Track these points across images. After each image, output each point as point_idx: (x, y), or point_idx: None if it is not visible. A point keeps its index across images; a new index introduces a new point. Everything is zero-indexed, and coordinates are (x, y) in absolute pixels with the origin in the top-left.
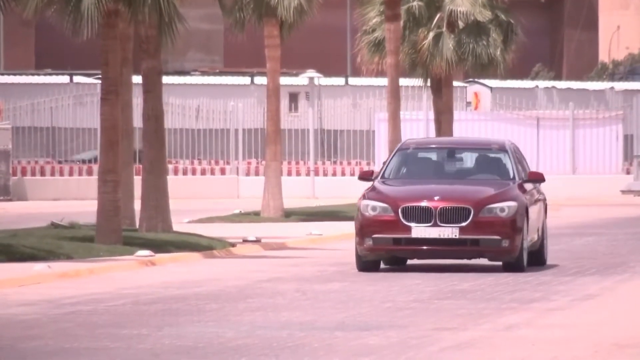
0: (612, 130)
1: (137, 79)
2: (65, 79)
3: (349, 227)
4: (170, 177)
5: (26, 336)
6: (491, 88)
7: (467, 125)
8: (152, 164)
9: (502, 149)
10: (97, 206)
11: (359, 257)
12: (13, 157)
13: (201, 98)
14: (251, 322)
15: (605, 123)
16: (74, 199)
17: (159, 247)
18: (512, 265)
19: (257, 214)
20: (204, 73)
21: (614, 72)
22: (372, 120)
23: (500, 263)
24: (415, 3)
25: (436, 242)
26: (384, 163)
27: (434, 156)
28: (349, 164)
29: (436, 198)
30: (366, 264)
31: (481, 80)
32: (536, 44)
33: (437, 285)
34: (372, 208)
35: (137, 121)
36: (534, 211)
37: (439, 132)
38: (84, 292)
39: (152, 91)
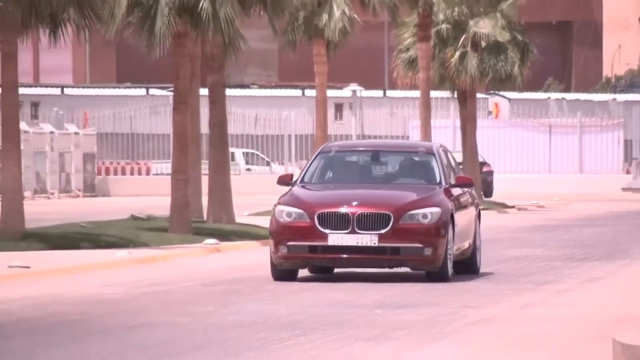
0: (614, 136)
1: (203, 91)
2: (142, 91)
3: None
4: (233, 176)
5: (110, 312)
6: (509, 99)
7: (489, 132)
8: (217, 165)
9: (430, 152)
10: (170, 201)
11: (274, 266)
12: (98, 159)
13: (259, 108)
14: (302, 300)
15: (608, 130)
16: (150, 195)
17: (224, 236)
18: (436, 275)
19: None
20: (261, 86)
21: (615, 85)
22: (406, 127)
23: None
24: (443, 26)
25: (354, 250)
26: (304, 167)
27: (356, 160)
28: None
29: (354, 203)
30: (282, 273)
31: (501, 93)
32: (548, 61)
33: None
34: (287, 214)
35: (204, 128)
36: (462, 217)
37: (464, 138)
38: (159, 275)
39: (217, 102)
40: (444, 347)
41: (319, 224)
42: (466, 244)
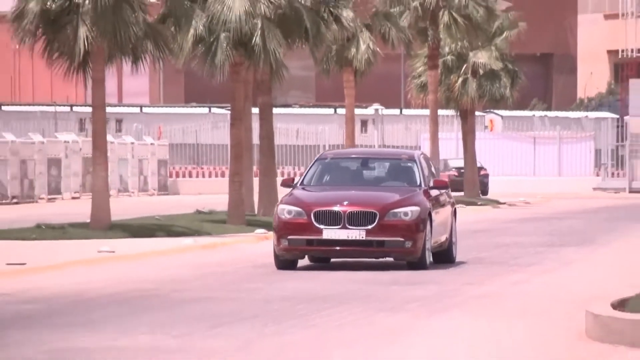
0: (586, 146)
1: (255, 110)
2: (205, 110)
3: None
4: (279, 179)
5: (179, 288)
6: (502, 116)
7: (485, 143)
8: (266, 170)
9: (412, 159)
10: (228, 199)
11: (276, 256)
12: (169, 165)
13: (299, 123)
14: (332, 279)
15: (582, 141)
16: (212, 194)
17: (271, 227)
18: (415, 265)
19: None
20: (301, 106)
21: (587, 105)
22: (418, 139)
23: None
24: (448, 57)
25: (345, 243)
26: (304, 171)
27: (349, 165)
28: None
29: (345, 203)
30: (284, 263)
31: (495, 111)
32: (533, 85)
33: (464, 255)
34: (288, 212)
35: (255, 139)
36: (439, 215)
37: (465, 147)
38: (219, 258)
39: (265, 119)
40: (450, 317)
41: (315, 220)
42: (443, 238)
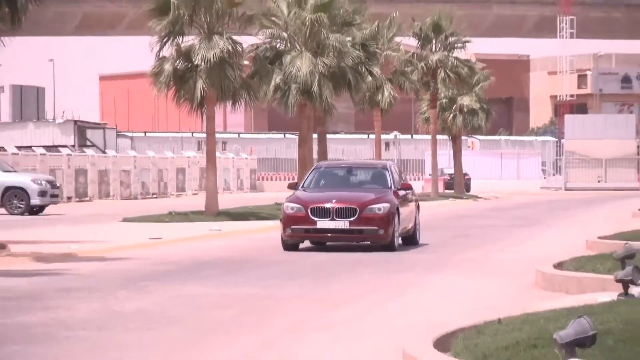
0: (536, 160)
1: (314, 135)
2: (281, 135)
3: None
4: None
5: (263, 254)
6: (479, 140)
7: (468, 157)
8: None
9: (385, 167)
10: None
11: (283, 241)
12: (257, 172)
13: (344, 145)
14: (352, 249)
15: (533, 156)
16: (286, 192)
17: None
18: (387, 247)
19: None
20: (345, 133)
21: (536, 132)
22: (424, 155)
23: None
24: (443, 100)
25: (334, 231)
26: (305, 177)
27: (338, 172)
28: (414, 174)
29: (334, 201)
30: (288, 246)
31: (474, 136)
32: (500, 119)
33: (457, 230)
34: (291, 208)
35: (315, 155)
36: (405, 210)
37: (455, 160)
38: None
39: (321, 142)
40: (444, 275)
41: (311, 214)
42: (409, 226)
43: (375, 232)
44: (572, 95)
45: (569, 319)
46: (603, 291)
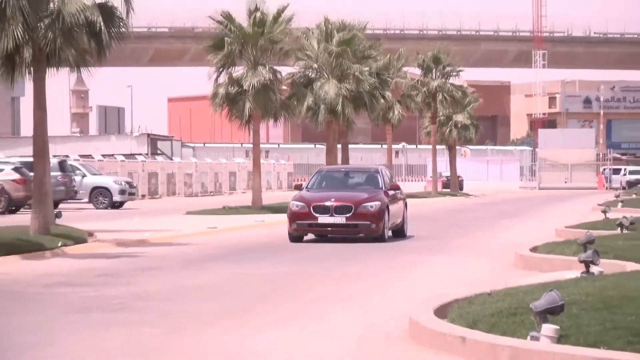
0: (515, 165)
1: (339, 145)
2: (312, 145)
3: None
4: None
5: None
6: (470, 149)
7: (462, 163)
8: None
9: (377, 171)
10: None
11: (290, 234)
12: (294, 175)
13: (363, 153)
14: (361, 240)
15: (513, 162)
16: None
17: None
18: (378, 239)
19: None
20: (363, 143)
21: (516, 143)
22: (426, 161)
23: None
24: (441, 117)
25: (333, 226)
26: (309, 180)
27: (336, 175)
28: (418, 177)
29: (333, 200)
30: (294, 238)
31: (467, 146)
32: (487, 132)
33: (454, 221)
34: (296, 205)
35: (339, 162)
36: (394, 207)
37: (451, 165)
38: None
39: (344, 151)
40: (442, 256)
41: (313, 211)
42: (398, 221)
43: (368, 226)
44: (544, 114)
45: (542, 292)
46: (569, 270)
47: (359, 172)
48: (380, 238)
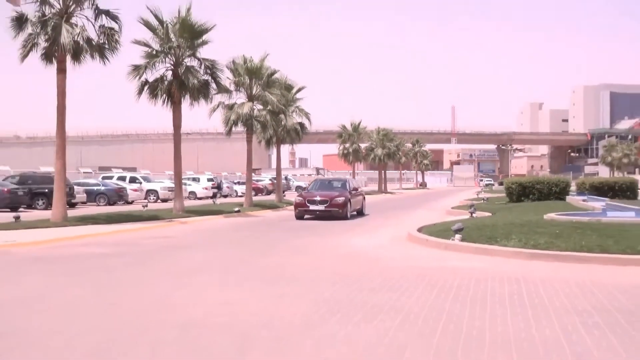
0: (445, 177)
1: None
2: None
3: None
4: None
5: (290, 220)
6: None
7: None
8: None
9: (346, 180)
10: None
11: (295, 215)
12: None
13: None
14: (357, 217)
15: (444, 176)
16: None
17: None
18: (343, 218)
19: None
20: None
21: (444, 170)
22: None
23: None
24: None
25: (319, 211)
26: (308, 184)
27: (323, 182)
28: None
29: (318, 196)
30: (298, 217)
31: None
32: (433, 165)
33: (413, 204)
34: (298, 198)
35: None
36: (355, 200)
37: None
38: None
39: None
40: (391, 221)
41: (307, 203)
42: (358, 207)
43: (337, 211)
44: (457, 159)
45: (455, 223)
46: (464, 215)
47: (336, 180)
48: (344, 217)
